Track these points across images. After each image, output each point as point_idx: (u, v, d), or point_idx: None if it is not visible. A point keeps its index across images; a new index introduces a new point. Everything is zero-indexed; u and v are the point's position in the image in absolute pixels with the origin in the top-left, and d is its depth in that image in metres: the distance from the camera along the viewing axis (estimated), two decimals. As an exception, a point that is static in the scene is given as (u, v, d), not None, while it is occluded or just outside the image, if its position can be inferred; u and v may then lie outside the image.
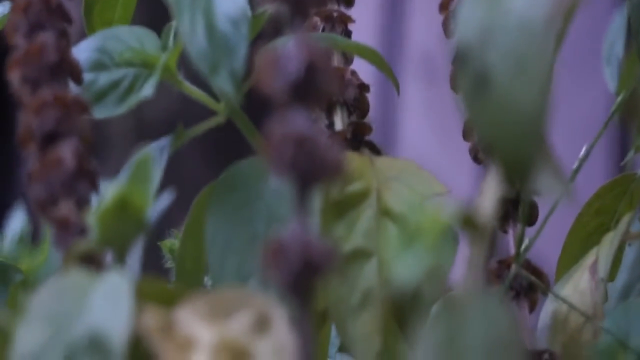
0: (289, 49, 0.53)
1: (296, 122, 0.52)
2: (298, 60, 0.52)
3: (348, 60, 0.87)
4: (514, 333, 0.48)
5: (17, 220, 1.19)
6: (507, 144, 0.51)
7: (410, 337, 0.49)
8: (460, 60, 0.52)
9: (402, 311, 0.52)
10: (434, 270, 0.50)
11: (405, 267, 0.47)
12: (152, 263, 0.95)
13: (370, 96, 0.87)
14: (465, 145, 0.82)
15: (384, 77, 0.86)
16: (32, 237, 1.14)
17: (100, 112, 0.77)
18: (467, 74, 0.52)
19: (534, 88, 0.50)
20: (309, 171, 0.52)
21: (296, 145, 0.52)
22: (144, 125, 1.04)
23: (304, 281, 0.52)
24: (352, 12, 0.91)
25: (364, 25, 1.22)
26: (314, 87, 0.53)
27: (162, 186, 0.75)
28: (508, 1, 0.52)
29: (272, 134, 0.52)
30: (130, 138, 0.62)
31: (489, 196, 0.54)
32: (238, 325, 0.58)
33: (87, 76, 0.77)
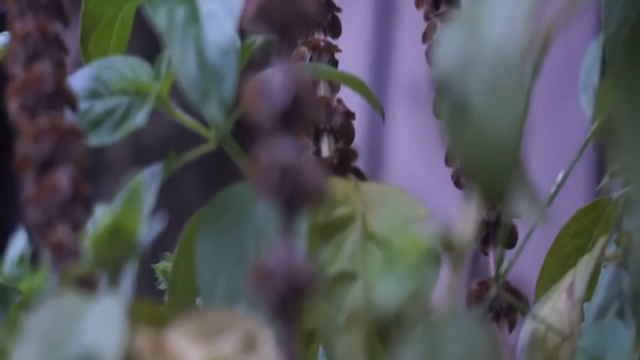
0: (275, 78, 0.52)
1: (282, 149, 0.52)
2: (284, 89, 0.52)
3: (334, 89, 0.87)
4: (492, 352, 0.47)
5: (18, 243, 1.19)
6: (485, 169, 0.51)
7: (393, 357, 0.49)
8: (441, 89, 0.52)
9: (386, 331, 0.52)
10: (416, 292, 0.50)
11: (388, 289, 0.47)
12: (147, 285, 0.95)
13: (360, 123, 0.87)
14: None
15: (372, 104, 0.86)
16: (32, 259, 1.13)
17: (95, 140, 0.77)
18: (447, 101, 0.52)
19: (510, 115, 0.50)
20: (294, 197, 0.52)
21: (282, 172, 0.51)
22: (142, 150, 1.03)
23: (289, 302, 0.52)
24: (341, 42, 0.91)
25: (353, 54, 1.22)
26: (299, 115, 0.52)
27: (158, 208, 0.75)
28: (485, 32, 0.52)
29: (259, 160, 0.52)
30: (128, 163, 0.62)
31: (469, 219, 0.53)
32: (226, 345, 0.58)
33: (83, 104, 0.77)
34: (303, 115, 0.52)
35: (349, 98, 0.89)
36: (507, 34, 0.49)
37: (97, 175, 0.84)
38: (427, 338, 0.47)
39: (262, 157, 0.52)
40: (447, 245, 0.51)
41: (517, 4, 0.51)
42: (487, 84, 0.50)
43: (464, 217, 0.54)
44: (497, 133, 0.50)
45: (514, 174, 0.51)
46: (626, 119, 0.36)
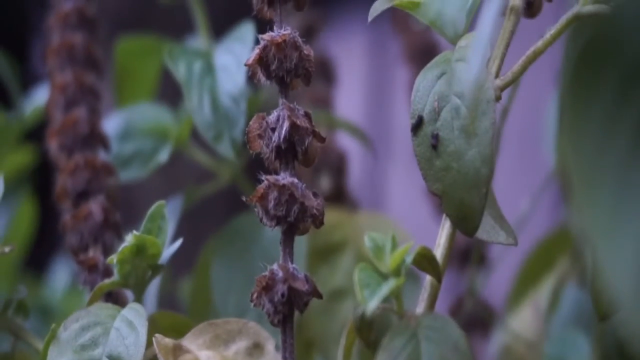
0: (273, 117, 0.53)
1: (279, 176, 0.52)
2: (281, 126, 0.52)
3: (331, 133, 0.87)
4: (465, 344, 0.47)
5: (61, 268, 1.19)
6: (458, 202, 0.51)
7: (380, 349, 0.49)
8: (416, 128, 0.52)
9: (375, 340, 0.52)
10: (391, 297, 0.50)
11: (367, 296, 0.47)
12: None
13: (361, 165, 0.88)
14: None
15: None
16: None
17: (126, 175, 0.77)
18: (422, 141, 0.52)
19: (482, 154, 0.50)
20: (290, 215, 0.52)
21: (278, 192, 0.51)
22: (176, 182, 1.04)
23: (288, 312, 0.52)
24: (338, 94, 0.91)
25: (349, 105, 1.23)
26: (294, 148, 0.53)
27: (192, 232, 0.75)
28: (457, 84, 0.52)
29: (260, 185, 0.52)
30: (163, 194, 0.63)
31: (443, 244, 0.53)
32: (236, 350, 0.58)
33: (115, 145, 0.77)
34: (296, 149, 0.52)
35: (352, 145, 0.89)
36: (478, 83, 0.50)
37: (133, 204, 0.85)
38: (406, 331, 0.47)
39: (262, 183, 0.52)
40: (423, 263, 0.51)
41: (484, 59, 0.51)
42: (462, 126, 0.51)
43: (438, 243, 0.53)
44: (470, 169, 0.50)
45: (484, 207, 0.51)
46: (572, 164, 0.36)
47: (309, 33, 0.88)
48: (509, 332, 0.84)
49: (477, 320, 0.83)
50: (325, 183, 0.84)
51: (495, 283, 0.89)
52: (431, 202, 0.91)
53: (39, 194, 1.05)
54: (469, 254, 0.86)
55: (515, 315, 0.86)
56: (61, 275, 1.17)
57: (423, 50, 0.89)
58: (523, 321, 0.86)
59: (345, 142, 0.89)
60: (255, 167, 0.54)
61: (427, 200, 0.93)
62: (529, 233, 0.78)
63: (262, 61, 0.54)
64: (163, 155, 0.76)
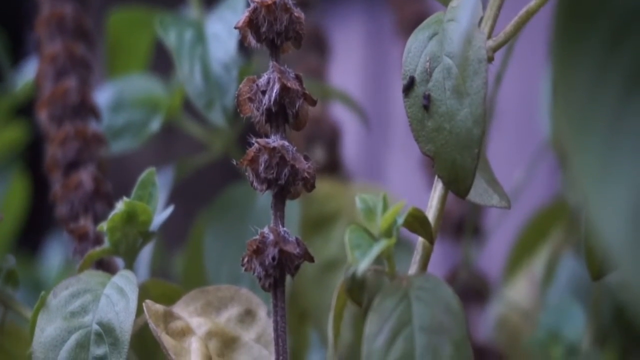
0: (263, 80, 0.52)
1: (270, 139, 0.52)
2: (272, 88, 0.52)
3: (325, 105, 0.87)
4: (458, 305, 0.47)
5: (54, 247, 1.19)
6: (450, 162, 0.51)
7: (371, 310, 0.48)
8: (407, 89, 0.51)
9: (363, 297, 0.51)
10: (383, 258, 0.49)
11: (358, 257, 0.46)
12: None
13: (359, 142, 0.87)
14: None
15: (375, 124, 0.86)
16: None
17: (117, 146, 0.77)
18: (414, 102, 0.51)
19: (474, 113, 0.50)
20: (281, 178, 0.51)
21: (269, 155, 0.51)
22: (169, 156, 1.04)
23: (278, 274, 0.51)
24: (335, 75, 0.91)
25: (347, 84, 1.22)
26: (284, 112, 0.52)
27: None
28: (449, 44, 0.51)
29: (250, 148, 0.51)
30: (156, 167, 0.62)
31: (436, 203, 0.53)
32: (227, 317, 0.58)
33: (106, 116, 0.77)
34: (287, 111, 0.52)
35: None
36: (469, 41, 0.49)
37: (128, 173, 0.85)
38: (397, 292, 0.46)
39: (252, 146, 0.52)
40: (415, 226, 0.50)
41: (474, 17, 0.50)
42: (454, 86, 0.50)
43: (430, 205, 0.53)
44: (462, 130, 0.50)
45: (476, 167, 0.51)
46: (564, 115, 0.36)
47: (301, 4, 0.87)
48: (504, 302, 0.84)
49: (473, 290, 0.83)
50: (319, 154, 0.83)
51: (491, 254, 0.89)
52: (427, 177, 0.91)
53: (31, 172, 1.05)
54: (463, 225, 0.86)
55: (510, 285, 0.86)
56: (55, 253, 1.16)
57: (417, 21, 0.88)
58: (519, 291, 0.86)
59: (343, 118, 0.89)
60: (247, 140, 0.53)
61: (423, 176, 0.92)
62: (524, 204, 0.78)
63: (252, 24, 0.53)
64: (154, 126, 0.75)
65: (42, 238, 1.19)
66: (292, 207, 0.66)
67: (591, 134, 0.35)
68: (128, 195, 0.59)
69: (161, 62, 0.85)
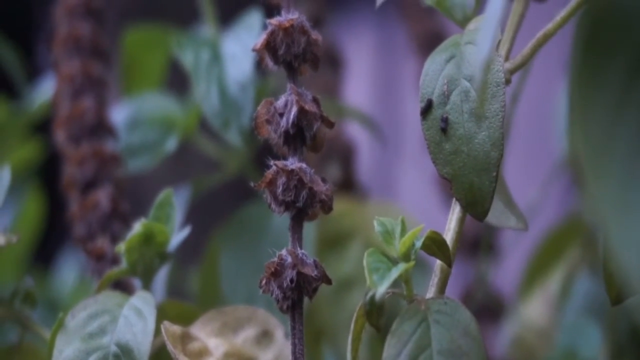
0: (281, 102, 0.52)
1: (288, 161, 0.52)
2: (290, 111, 0.52)
3: (339, 122, 0.87)
4: (476, 328, 0.47)
5: (69, 263, 1.19)
6: (468, 185, 0.51)
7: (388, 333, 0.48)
8: (425, 111, 0.52)
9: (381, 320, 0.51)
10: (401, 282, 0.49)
11: (376, 280, 0.47)
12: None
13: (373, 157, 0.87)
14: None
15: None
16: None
17: (134, 165, 0.77)
18: (431, 122, 0.52)
19: (492, 136, 0.50)
20: (299, 200, 0.51)
21: (287, 177, 0.51)
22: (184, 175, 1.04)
23: (296, 296, 0.52)
24: (348, 92, 0.91)
25: (357, 97, 1.22)
26: (302, 134, 0.52)
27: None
28: (466, 67, 0.51)
29: (268, 171, 0.52)
30: (171, 186, 0.62)
31: (454, 226, 0.53)
32: (244, 337, 0.58)
33: (123, 135, 0.77)
34: (305, 134, 0.52)
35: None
36: (487, 66, 0.49)
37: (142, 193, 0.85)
38: (416, 315, 0.46)
39: (270, 168, 0.52)
40: (432, 249, 0.50)
41: (493, 42, 0.50)
42: (472, 109, 0.50)
43: (448, 227, 0.53)
44: (480, 153, 0.50)
45: (494, 190, 0.51)
46: (582, 150, 0.36)
47: (315, 23, 0.88)
48: (519, 321, 0.84)
49: (488, 309, 0.83)
50: (333, 172, 0.83)
51: (506, 273, 0.89)
52: (441, 194, 0.91)
53: (47, 189, 1.05)
54: (478, 244, 0.86)
55: (526, 304, 0.85)
56: (70, 270, 1.17)
57: (431, 39, 0.89)
58: (534, 310, 0.85)
59: (355, 133, 0.89)
60: (262, 159, 0.53)
61: (437, 192, 0.93)
62: (539, 222, 0.78)
63: (269, 46, 0.54)
64: (171, 145, 0.76)
65: (56, 254, 1.20)
66: (308, 226, 0.66)
67: (611, 161, 0.36)
68: (142, 214, 0.59)
69: (176, 80, 0.86)
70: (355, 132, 0.90)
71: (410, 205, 0.87)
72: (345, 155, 0.84)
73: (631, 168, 0.35)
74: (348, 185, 0.84)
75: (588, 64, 0.36)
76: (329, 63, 0.87)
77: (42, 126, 0.89)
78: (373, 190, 0.96)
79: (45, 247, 1.18)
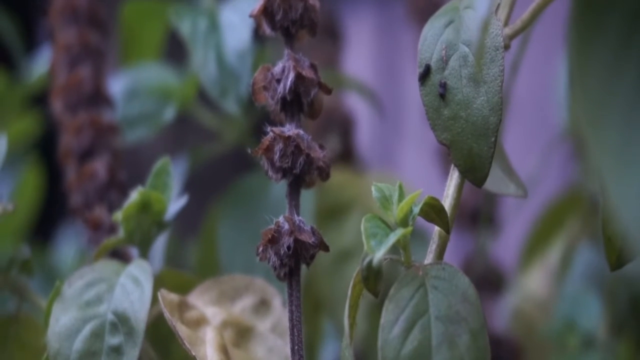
0: (278, 69, 0.52)
1: (285, 128, 0.52)
2: (287, 77, 0.51)
3: (338, 94, 0.87)
4: (474, 293, 0.46)
5: (68, 237, 1.19)
6: (466, 150, 0.50)
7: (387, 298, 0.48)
8: (423, 77, 0.51)
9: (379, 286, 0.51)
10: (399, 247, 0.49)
11: (374, 246, 0.46)
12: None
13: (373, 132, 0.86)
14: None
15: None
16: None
17: (131, 135, 0.77)
18: (430, 87, 0.51)
19: (491, 101, 0.49)
20: (296, 167, 0.51)
21: (284, 143, 0.51)
22: (183, 146, 1.03)
23: (294, 263, 0.51)
24: (347, 64, 0.91)
25: (359, 72, 1.22)
26: (299, 100, 0.52)
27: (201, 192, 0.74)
28: (465, 32, 0.51)
29: (265, 137, 0.51)
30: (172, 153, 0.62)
31: (452, 192, 0.52)
32: (242, 307, 0.58)
33: (120, 105, 0.77)
34: (302, 100, 0.52)
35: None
36: (485, 30, 0.49)
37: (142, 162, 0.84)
38: (414, 281, 0.46)
39: (266, 134, 0.51)
40: (431, 215, 0.50)
41: (492, 5, 0.50)
42: (471, 74, 0.50)
43: (447, 194, 0.52)
44: (478, 118, 0.49)
45: (493, 155, 0.50)
46: (581, 106, 0.36)
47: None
48: (520, 292, 0.84)
49: (487, 281, 0.83)
50: (333, 144, 0.83)
51: (506, 244, 0.89)
52: (440, 166, 0.90)
53: (46, 163, 1.04)
54: (478, 215, 0.85)
55: (526, 275, 0.85)
56: (68, 242, 1.16)
57: (430, 9, 0.88)
58: (534, 281, 0.85)
59: (355, 107, 0.89)
60: (261, 130, 0.53)
61: (436, 165, 0.92)
62: (539, 194, 0.77)
63: (266, 12, 0.53)
64: (168, 115, 0.75)
65: (56, 227, 1.19)
66: (307, 197, 0.65)
67: (609, 120, 0.35)
68: (141, 185, 0.59)
69: (174, 52, 0.85)
70: (356, 106, 0.89)
71: (409, 177, 0.87)
72: (345, 127, 0.84)
73: (630, 121, 0.34)
74: (347, 157, 0.83)
75: (586, 19, 0.36)
76: (328, 34, 0.86)
77: (41, 99, 0.88)
78: (372, 164, 0.96)
79: (45, 222, 1.18)
